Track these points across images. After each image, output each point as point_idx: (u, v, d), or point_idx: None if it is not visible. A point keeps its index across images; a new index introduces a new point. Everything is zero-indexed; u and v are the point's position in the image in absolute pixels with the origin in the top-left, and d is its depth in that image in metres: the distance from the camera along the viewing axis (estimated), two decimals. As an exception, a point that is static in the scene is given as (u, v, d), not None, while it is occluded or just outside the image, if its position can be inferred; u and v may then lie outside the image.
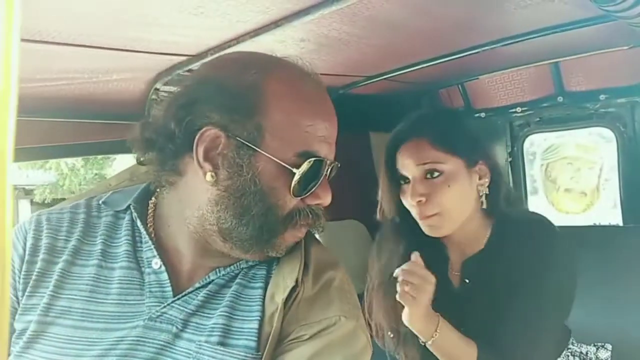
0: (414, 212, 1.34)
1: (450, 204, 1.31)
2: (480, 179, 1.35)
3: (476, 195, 1.36)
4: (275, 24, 1.13)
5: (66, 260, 0.84)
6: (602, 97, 2.02)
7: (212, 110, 0.77)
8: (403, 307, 1.29)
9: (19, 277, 0.84)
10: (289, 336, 0.78)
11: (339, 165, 0.89)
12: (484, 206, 1.36)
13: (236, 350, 0.77)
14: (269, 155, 0.78)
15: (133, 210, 0.88)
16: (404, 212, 1.40)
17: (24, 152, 1.37)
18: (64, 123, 1.36)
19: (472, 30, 1.44)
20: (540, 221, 1.39)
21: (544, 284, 1.27)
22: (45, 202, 11.69)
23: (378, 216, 1.48)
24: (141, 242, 0.86)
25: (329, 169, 0.85)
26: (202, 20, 1.05)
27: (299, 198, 0.82)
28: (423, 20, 1.26)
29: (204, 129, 0.77)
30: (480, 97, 2.31)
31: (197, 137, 0.77)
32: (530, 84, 2.15)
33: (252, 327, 0.79)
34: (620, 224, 2.02)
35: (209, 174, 0.78)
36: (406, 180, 1.35)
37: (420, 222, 1.35)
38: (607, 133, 2.05)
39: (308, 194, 0.83)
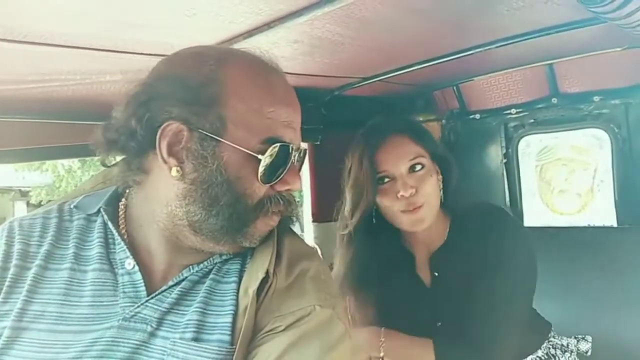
0: (401, 208, 1.36)
1: (433, 193, 1.38)
2: (438, 174, 1.43)
3: (439, 188, 1.43)
4: (268, 25, 1.13)
5: (39, 265, 0.83)
6: (596, 98, 2.03)
7: (173, 105, 0.77)
8: None
9: None
10: (264, 328, 0.78)
11: (306, 150, 0.89)
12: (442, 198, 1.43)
13: (210, 345, 0.77)
14: (233, 145, 0.77)
15: (104, 213, 0.88)
16: (375, 214, 1.43)
17: (20, 154, 1.37)
18: (59, 124, 1.35)
19: (466, 32, 1.45)
20: (494, 208, 1.46)
21: (506, 267, 1.32)
22: (42, 203, 11.64)
23: (347, 220, 1.47)
24: (114, 244, 0.86)
25: (297, 154, 0.85)
26: (195, 21, 1.05)
27: (268, 185, 0.82)
28: (417, 21, 1.27)
29: (165, 124, 0.77)
30: (475, 98, 2.31)
31: (159, 132, 0.77)
32: (525, 85, 2.16)
33: (226, 321, 0.79)
34: (615, 224, 2.03)
35: (174, 169, 0.78)
36: (385, 180, 1.36)
37: (405, 217, 1.37)
38: (602, 134, 2.06)
39: (277, 180, 0.82)
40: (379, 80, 1.86)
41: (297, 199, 0.91)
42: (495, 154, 2.30)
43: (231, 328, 0.78)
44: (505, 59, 1.85)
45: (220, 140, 0.77)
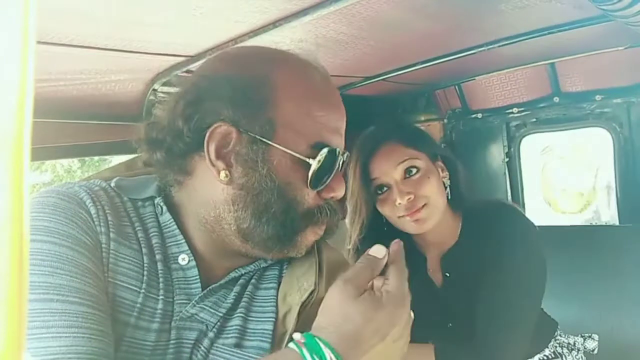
0: (400, 213, 1.36)
1: (434, 192, 1.36)
2: (442, 171, 1.43)
3: (444, 187, 1.42)
4: (274, 24, 1.13)
5: (113, 238, 0.75)
6: (598, 97, 2.04)
7: (222, 106, 0.74)
8: None
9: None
10: None
11: (350, 155, 0.88)
12: (449, 197, 1.43)
13: (249, 351, 0.76)
14: (283, 148, 0.75)
15: (162, 204, 0.82)
16: (378, 225, 1.43)
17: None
18: (60, 124, 1.35)
19: (470, 31, 1.45)
20: (507, 207, 1.46)
21: (518, 268, 1.32)
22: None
23: (350, 232, 1.48)
24: (166, 236, 0.81)
25: (341, 160, 0.82)
26: (200, 20, 1.05)
27: (316, 191, 0.79)
28: (420, 20, 1.27)
29: (214, 125, 0.74)
30: (477, 97, 2.32)
31: (207, 134, 0.74)
32: (527, 84, 2.17)
33: (266, 328, 0.78)
34: (617, 223, 2.03)
35: (222, 173, 0.75)
36: (383, 189, 1.37)
37: (406, 222, 1.37)
38: (604, 133, 2.06)
39: (323, 186, 0.80)
40: (382, 80, 1.86)
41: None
42: (497, 153, 2.31)
43: (272, 335, 0.77)
44: (507, 58, 1.85)
45: (270, 144, 0.74)
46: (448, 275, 1.43)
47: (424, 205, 1.35)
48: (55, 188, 0.75)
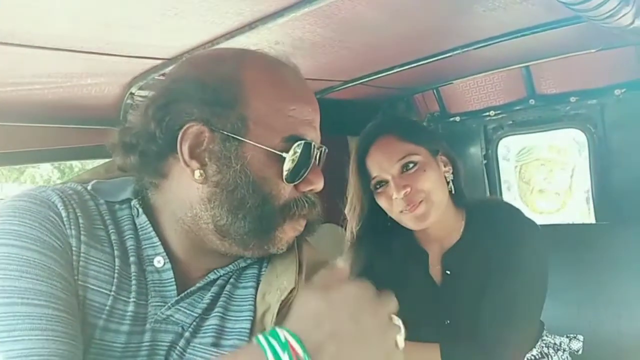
0: (399, 208, 1.36)
1: (431, 186, 1.36)
2: (445, 166, 1.43)
3: (445, 182, 1.42)
4: (250, 26, 1.14)
5: (84, 241, 0.75)
6: (572, 99, 2.08)
7: (192, 107, 0.75)
8: None
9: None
10: None
11: (327, 149, 0.87)
12: (452, 192, 1.43)
13: (226, 350, 0.76)
14: (256, 144, 0.76)
15: (138, 206, 0.82)
16: (379, 219, 1.43)
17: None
18: (34, 128, 1.34)
19: (445, 34, 1.47)
20: (510, 206, 1.47)
21: (521, 268, 1.32)
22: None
23: (352, 228, 1.49)
24: (141, 239, 0.82)
25: (318, 153, 0.84)
26: (176, 21, 1.05)
27: (292, 185, 0.80)
28: (395, 22, 1.29)
29: (186, 126, 0.75)
30: (454, 101, 2.35)
31: (179, 135, 0.75)
32: (503, 87, 2.20)
33: (243, 327, 0.78)
34: (593, 222, 2.07)
35: (197, 172, 0.76)
36: (381, 184, 1.37)
37: (406, 217, 1.37)
38: (579, 134, 2.10)
39: (300, 179, 0.81)
40: (360, 84, 1.88)
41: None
42: (475, 155, 2.34)
43: (248, 334, 0.78)
44: (483, 61, 1.88)
45: (242, 140, 0.75)
46: (449, 272, 1.42)
47: (422, 201, 1.34)
48: (28, 191, 0.76)
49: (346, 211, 1.47)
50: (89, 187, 0.82)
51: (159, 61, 1.30)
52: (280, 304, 0.78)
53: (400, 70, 1.76)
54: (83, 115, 1.42)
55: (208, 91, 0.76)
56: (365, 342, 0.60)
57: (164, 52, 1.25)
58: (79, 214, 0.75)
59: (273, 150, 0.77)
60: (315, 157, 0.83)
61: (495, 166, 2.32)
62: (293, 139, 0.78)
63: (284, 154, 0.77)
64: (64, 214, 0.74)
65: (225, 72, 0.78)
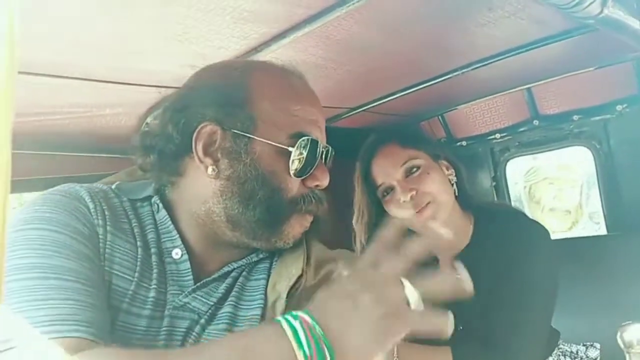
0: (408, 213, 1.39)
1: (437, 188, 1.40)
2: (447, 169, 1.47)
3: (450, 184, 1.46)
4: (256, 49, 1.21)
5: (110, 231, 0.82)
6: (575, 117, 2.12)
7: (205, 109, 0.85)
8: None
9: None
10: None
11: (334, 153, 0.95)
12: (457, 194, 1.46)
13: None
14: (264, 140, 0.84)
15: (158, 202, 0.90)
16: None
17: (18, 186, 1.42)
18: (52, 156, 1.41)
19: (441, 53, 1.53)
20: (520, 212, 1.50)
21: (531, 272, 1.34)
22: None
23: (360, 238, 1.52)
24: (161, 232, 0.89)
25: (324, 153, 0.91)
26: (186, 47, 1.13)
27: (300, 180, 0.87)
28: (393, 43, 1.35)
29: (200, 126, 0.84)
30: (460, 126, 2.40)
31: (194, 135, 0.84)
32: (506, 110, 2.26)
33: (255, 314, 0.84)
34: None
35: (210, 168, 0.84)
36: (388, 192, 1.41)
37: (414, 221, 1.40)
38: (585, 151, 2.13)
39: (306, 174, 0.88)
40: (365, 110, 1.94)
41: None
42: (484, 178, 2.37)
43: (259, 321, 0.83)
44: (484, 84, 1.94)
45: (251, 137, 0.84)
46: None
47: (429, 203, 1.38)
48: (59, 187, 0.84)
49: (354, 222, 1.51)
50: (113, 187, 0.91)
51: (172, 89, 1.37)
52: (289, 290, 0.83)
53: (403, 95, 1.82)
54: (102, 144, 1.50)
55: (219, 94, 0.85)
56: (368, 293, 0.65)
57: (175, 80, 1.32)
58: (104, 207, 0.83)
59: (280, 145, 0.84)
60: (322, 155, 0.90)
61: (504, 187, 2.35)
62: (298, 136, 0.86)
63: (290, 148, 0.84)
64: (91, 206, 0.81)
65: (234, 77, 0.88)
